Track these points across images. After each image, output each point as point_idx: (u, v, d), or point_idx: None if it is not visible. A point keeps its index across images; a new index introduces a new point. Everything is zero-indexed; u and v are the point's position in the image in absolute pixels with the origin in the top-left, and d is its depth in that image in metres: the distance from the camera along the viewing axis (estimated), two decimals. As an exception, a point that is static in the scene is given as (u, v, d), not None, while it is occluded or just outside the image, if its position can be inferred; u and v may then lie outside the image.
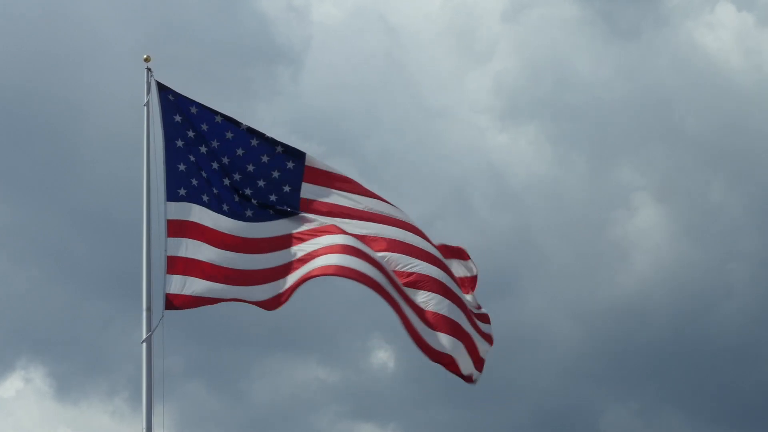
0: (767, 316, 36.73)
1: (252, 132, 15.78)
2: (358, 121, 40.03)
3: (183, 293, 15.09)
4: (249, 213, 15.69)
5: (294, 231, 15.64)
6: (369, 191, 16.09)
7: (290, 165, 15.85)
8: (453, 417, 34.58)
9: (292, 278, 15.32)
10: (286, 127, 36.93)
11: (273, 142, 15.83)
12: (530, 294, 36.57)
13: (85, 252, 34.82)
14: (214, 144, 15.67)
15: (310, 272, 15.22)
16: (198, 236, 15.37)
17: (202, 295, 15.17)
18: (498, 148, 40.32)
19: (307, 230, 15.64)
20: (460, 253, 16.53)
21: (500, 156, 40.13)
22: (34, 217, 35.34)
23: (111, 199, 30.77)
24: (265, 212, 15.72)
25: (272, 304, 15.33)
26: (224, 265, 15.35)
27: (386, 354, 34.72)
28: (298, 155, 15.88)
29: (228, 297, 15.29)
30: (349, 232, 15.50)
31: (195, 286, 15.17)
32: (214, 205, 15.56)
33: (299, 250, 15.54)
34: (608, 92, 40.82)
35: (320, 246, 15.42)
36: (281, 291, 15.30)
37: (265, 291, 15.36)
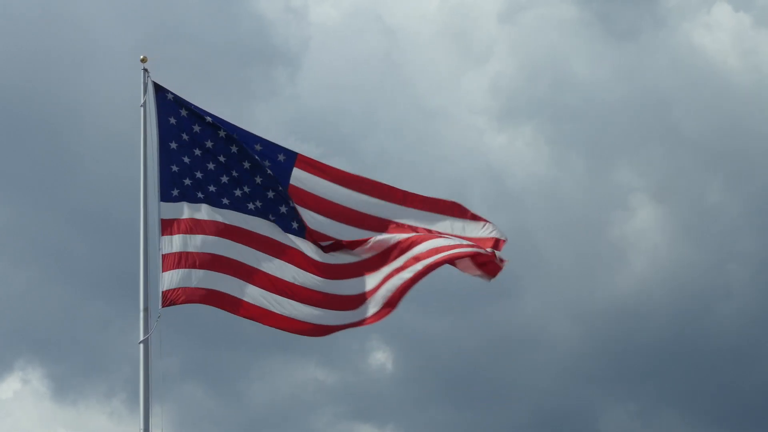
0: (766, 317, 36.75)
1: (245, 133, 15.82)
2: (356, 121, 40.04)
3: (178, 287, 15.11)
4: (251, 206, 15.73)
5: (291, 245, 15.72)
6: (359, 178, 16.09)
7: (281, 158, 15.86)
8: (451, 417, 34.60)
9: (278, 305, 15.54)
10: (284, 128, 36.95)
11: (256, 143, 15.90)
12: (529, 295, 36.58)
13: (84, 253, 34.84)
14: (209, 144, 15.68)
15: (289, 325, 15.70)
16: (192, 230, 15.43)
17: (198, 286, 15.22)
18: (496, 149, 40.34)
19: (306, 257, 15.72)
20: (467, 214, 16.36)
21: (498, 157, 40.16)
22: (31, 218, 35.35)
23: (109, 199, 30.77)
24: (266, 213, 15.77)
25: (259, 315, 15.48)
26: (220, 253, 15.41)
27: (384, 355, 34.74)
28: (290, 154, 15.93)
29: (221, 288, 15.30)
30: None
31: (190, 277, 15.22)
32: (212, 200, 15.59)
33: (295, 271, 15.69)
34: (606, 93, 40.86)
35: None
36: (272, 310, 15.54)
37: (262, 296, 15.44)
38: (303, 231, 15.77)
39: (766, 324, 36.71)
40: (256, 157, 15.70)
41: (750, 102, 40.78)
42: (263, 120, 36.55)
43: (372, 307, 15.63)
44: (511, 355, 34.30)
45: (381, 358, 34.97)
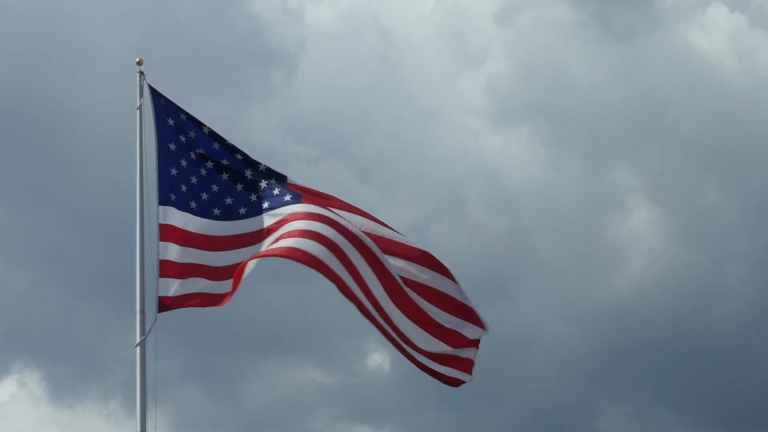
0: (763, 318, 36.78)
1: (236, 149, 15.76)
2: (352, 123, 40.05)
3: (175, 295, 15.11)
4: (243, 210, 15.68)
5: (268, 224, 15.56)
6: (356, 208, 16.00)
7: (270, 182, 15.78)
8: (449, 419, 34.61)
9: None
10: (279, 130, 36.97)
11: (255, 163, 15.79)
12: (526, 296, 36.61)
13: (81, 255, 34.82)
14: (200, 151, 15.66)
15: (258, 254, 15.07)
16: (188, 239, 15.37)
17: (194, 292, 15.20)
18: (492, 151, 40.34)
19: (277, 221, 15.52)
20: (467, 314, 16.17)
21: (495, 158, 40.16)
22: (28, 220, 35.32)
23: (105, 202, 30.76)
24: (258, 206, 15.71)
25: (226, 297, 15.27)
26: (213, 264, 15.38)
27: (382, 356, 34.73)
28: (280, 178, 15.83)
29: (216, 291, 15.29)
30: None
31: (187, 287, 15.18)
32: (203, 211, 15.54)
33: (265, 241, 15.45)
34: (602, 94, 40.87)
35: (282, 232, 15.27)
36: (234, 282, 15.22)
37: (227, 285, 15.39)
38: (299, 197, 15.67)
39: (763, 325, 36.76)
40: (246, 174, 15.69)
41: (746, 103, 40.86)
42: (259, 122, 36.57)
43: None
44: (509, 356, 34.29)
45: (378, 359, 35.00)
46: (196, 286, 15.27)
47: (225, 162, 15.68)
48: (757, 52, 42.21)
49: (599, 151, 40.81)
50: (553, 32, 42.53)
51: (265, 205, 15.69)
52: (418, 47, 42.54)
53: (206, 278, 15.31)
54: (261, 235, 15.52)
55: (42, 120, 34.94)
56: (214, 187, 15.65)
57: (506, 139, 40.84)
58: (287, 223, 15.34)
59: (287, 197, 15.64)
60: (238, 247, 15.52)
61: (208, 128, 15.70)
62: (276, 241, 15.22)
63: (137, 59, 15.74)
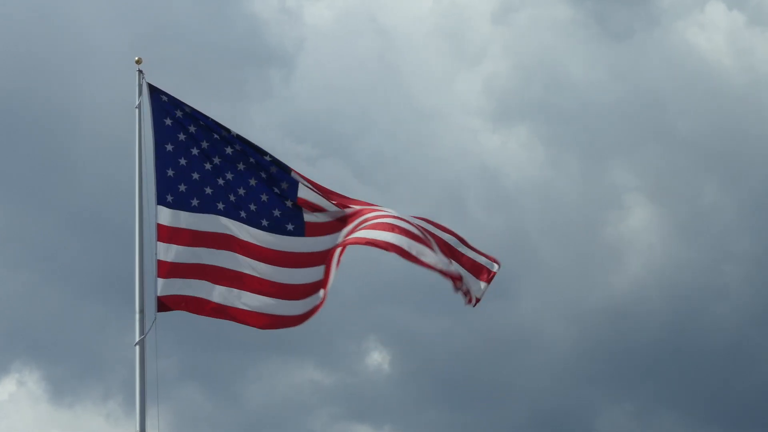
0: (762, 317, 36.79)
1: (241, 139, 15.72)
2: (350, 123, 40.03)
3: (174, 294, 15.13)
4: (243, 214, 15.65)
5: (291, 250, 15.61)
6: (362, 202, 15.99)
7: (275, 170, 15.78)
8: (448, 419, 34.58)
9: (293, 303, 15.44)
10: (278, 130, 36.97)
11: (262, 151, 15.77)
12: (525, 295, 36.59)
13: (80, 255, 34.80)
14: (204, 144, 15.63)
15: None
16: (187, 240, 15.35)
17: (194, 295, 15.23)
18: (491, 150, 40.33)
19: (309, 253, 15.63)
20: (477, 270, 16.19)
21: (493, 158, 40.15)
22: (27, 220, 35.31)
23: (105, 201, 30.76)
24: (258, 219, 15.67)
25: (272, 321, 15.45)
26: (215, 264, 15.38)
27: (381, 356, 34.72)
28: (286, 169, 15.82)
29: (217, 299, 15.31)
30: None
31: (186, 288, 15.20)
32: (207, 207, 15.52)
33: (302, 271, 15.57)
34: (600, 93, 40.86)
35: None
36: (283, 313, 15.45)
37: (265, 304, 15.41)
38: (302, 230, 15.70)
39: (762, 324, 36.77)
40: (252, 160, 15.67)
41: (745, 101, 40.85)
42: (258, 121, 36.57)
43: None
44: (508, 355, 34.32)
45: (378, 358, 34.98)
46: (197, 289, 15.28)
47: (229, 151, 15.64)
48: (756, 51, 42.25)
49: (598, 150, 40.84)
50: (551, 31, 42.57)
51: (268, 214, 15.69)
52: (416, 46, 42.56)
53: (208, 281, 15.33)
54: (262, 250, 15.57)
55: (41, 119, 34.96)
56: (220, 182, 15.64)
57: (505, 138, 40.87)
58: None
59: (290, 226, 15.65)
60: (238, 252, 15.53)
61: (212, 120, 15.66)
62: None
63: (136, 58, 15.72)
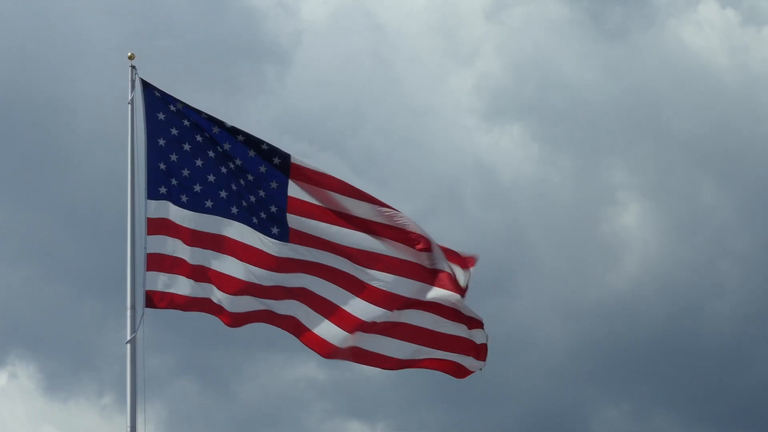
0: (758, 316, 36.78)
1: (237, 131, 15.60)
2: (344, 119, 39.96)
3: (163, 291, 15.10)
4: (234, 210, 15.54)
5: (282, 255, 15.53)
6: (358, 191, 15.85)
7: (276, 161, 15.64)
8: (443, 417, 34.56)
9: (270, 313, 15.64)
10: (272, 125, 36.87)
11: (258, 141, 15.65)
12: (520, 293, 36.52)
13: (74, 251, 34.78)
14: (198, 139, 15.52)
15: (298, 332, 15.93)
16: (176, 235, 15.30)
17: (182, 294, 15.21)
18: (485, 148, 40.29)
19: (293, 261, 15.53)
20: (462, 261, 16.21)
21: (488, 156, 40.10)
22: (20, 216, 35.26)
23: (98, 197, 30.66)
24: (249, 216, 15.55)
25: (236, 319, 15.48)
26: (203, 264, 15.31)
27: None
28: (284, 155, 15.68)
29: (205, 296, 15.27)
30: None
31: (175, 284, 15.17)
32: (194, 204, 15.42)
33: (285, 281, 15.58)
34: (595, 92, 40.85)
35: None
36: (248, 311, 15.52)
37: (243, 303, 15.37)
38: (285, 235, 15.57)
39: (758, 323, 36.76)
40: (249, 153, 15.57)
41: (739, 100, 40.85)
42: (252, 117, 36.46)
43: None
44: (503, 354, 34.15)
45: (373, 356, 34.81)
46: (183, 286, 15.22)
47: (222, 149, 15.53)
48: (750, 49, 42.24)
49: (592, 148, 40.82)
50: (545, 29, 42.51)
51: (257, 214, 15.57)
52: (410, 43, 42.50)
53: (192, 278, 15.28)
54: (250, 250, 15.49)
55: (34, 115, 34.90)
56: (211, 178, 15.53)
57: (499, 136, 40.82)
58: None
59: (275, 229, 15.52)
60: (226, 253, 15.45)
61: (206, 115, 15.56)
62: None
63: (129, 53, 15.65)
